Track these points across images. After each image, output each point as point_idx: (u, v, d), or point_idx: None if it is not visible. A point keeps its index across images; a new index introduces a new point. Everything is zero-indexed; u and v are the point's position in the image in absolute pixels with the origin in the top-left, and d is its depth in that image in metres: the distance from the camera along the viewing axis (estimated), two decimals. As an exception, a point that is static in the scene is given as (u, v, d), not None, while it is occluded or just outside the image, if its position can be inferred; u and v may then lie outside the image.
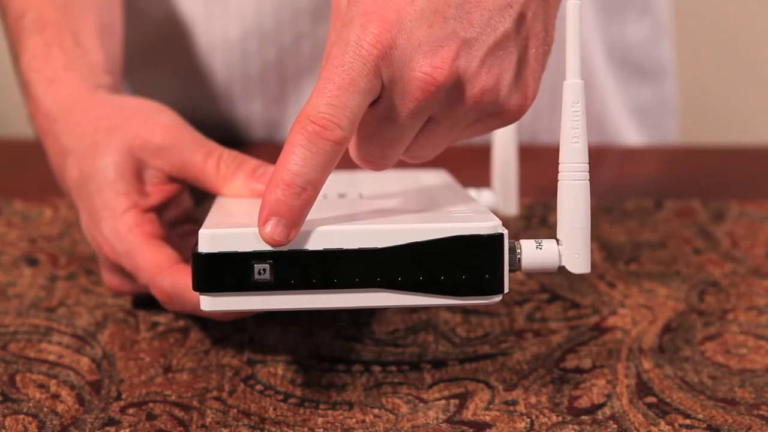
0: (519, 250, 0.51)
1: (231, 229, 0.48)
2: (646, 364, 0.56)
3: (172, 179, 0.59)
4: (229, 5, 0.83)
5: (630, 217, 0.72)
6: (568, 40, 0.50)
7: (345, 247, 0.48)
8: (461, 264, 0.49)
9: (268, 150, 0.87)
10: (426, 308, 0.61)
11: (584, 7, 0.88)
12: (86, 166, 0.59)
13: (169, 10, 0.86)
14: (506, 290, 0.50)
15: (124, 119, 0.60)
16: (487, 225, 0.49)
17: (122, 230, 0.57)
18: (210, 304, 0.49)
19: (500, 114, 0.52)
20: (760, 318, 0.61)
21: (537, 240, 0.51)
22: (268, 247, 0.48)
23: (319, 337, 0.59)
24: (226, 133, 0.88)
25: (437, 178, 0.65)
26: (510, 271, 0.50)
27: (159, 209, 0.59)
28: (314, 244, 0.48)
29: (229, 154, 0.58)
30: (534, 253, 0.51)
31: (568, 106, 0.51)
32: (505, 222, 0.52)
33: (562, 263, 0.51)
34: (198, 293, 0.49)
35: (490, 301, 0.50)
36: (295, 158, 0.47)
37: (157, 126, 0.59)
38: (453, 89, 0.50)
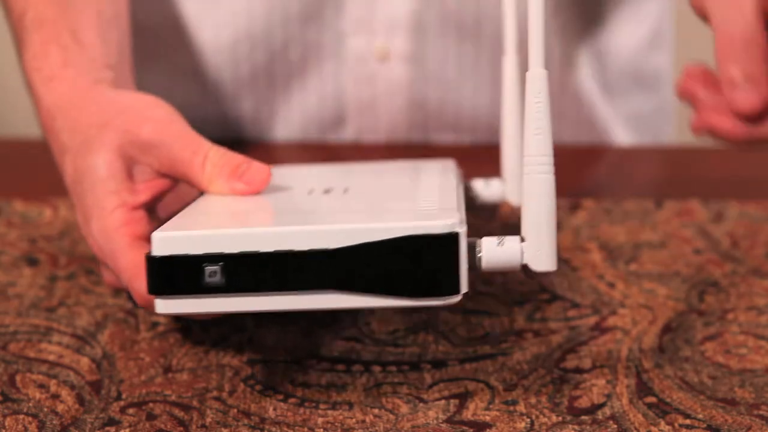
0: (479, 249, 0.50)
1: (183, 231, 0.48)
2: (646, 364, 0.56)
3: (162, 175, 0.59)
4: (220, 9, 0.83)
5: (630, 217, 0.72)
6: (531, 29, 0.49)
7: (296, 249, 0.47)
8: (415, 264, 0.48)
9: (260, 148, 0.87)
10: (385, 308, 0.60)
11: (570, 19, 0.87)
12: (79, 163, 0.59)
13: (161, 13, 0.86)
14: (464, 290, 0.49)
15: (116, 114, 0.59)
16: (442, 223, 0.48)
17: (109, 229, 0.56)
18: (164, 307, 0.49)
19: None
20: (760, 318, 0.61)
21: (499, 237, 0.50)
22: (219, 250, 0.48)
23: (319, 337, 0.59)
24: (216, 131, 0.88)
25: (437, 168, 0.64)
26: (470, 270, 0.49)
27: (150, 205, 0.59)
28: (265, 245, 0.48)
29: (215, 152, 0.57)
30: (495, 251, 0.50)
31: (531, 97, 0.50)
32: (512, 214, 0.52)
33: (525, 261, 0.50)
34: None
35: (447, 302, 0.48)
36: None
37: (146, 121, 0.58)
38: None
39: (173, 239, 0.48)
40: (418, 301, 0.48)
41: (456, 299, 0.48)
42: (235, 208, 0.55)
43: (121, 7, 0.70)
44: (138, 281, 0.54)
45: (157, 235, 0.48)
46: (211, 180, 0.57)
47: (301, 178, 0.62)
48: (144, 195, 0.58)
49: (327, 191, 0.57)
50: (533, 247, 0.50)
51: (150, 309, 0.55)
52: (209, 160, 0.57)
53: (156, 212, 0.59)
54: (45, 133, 0.63)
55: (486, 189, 0.65)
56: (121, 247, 0.56)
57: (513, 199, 0.64)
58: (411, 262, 0.48)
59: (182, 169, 0.58)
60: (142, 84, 0.90)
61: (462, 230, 0.48)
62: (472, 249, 0.49)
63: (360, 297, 0.48)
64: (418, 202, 0.53)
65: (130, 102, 0.61)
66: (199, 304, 0.48)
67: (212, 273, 0.48)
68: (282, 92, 0.86)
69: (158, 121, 0.59)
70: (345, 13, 0.82)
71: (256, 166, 0.57)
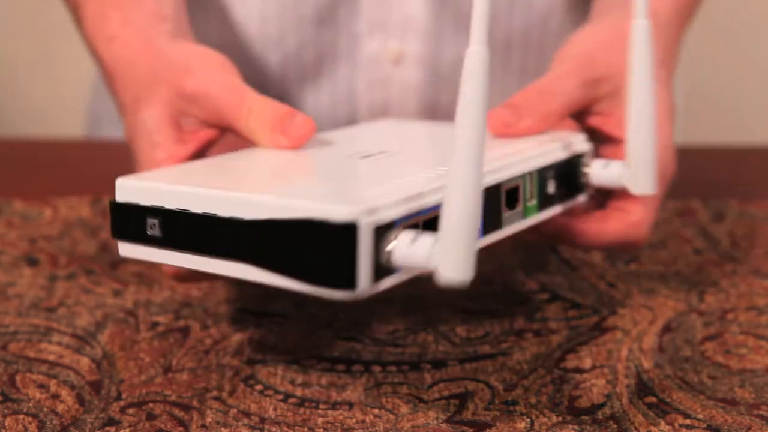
0: (392, 243, 0.45)
1: (139, 182, 0.50)
2: (646, 364, 0.56)
3: (210, 125, 0.59)
4: (232, 11, 0.83)
5: (630, 217, 0.72)
6: (475, 6, 0.43)
7: (218, 214, 0.47)
8: (312, 250, 0.45)
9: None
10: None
11: (566, 22, 0.87)
12: (130, 120, 0.60)
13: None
14: (364, 285, 0.44)
15: (165, 69, 0.60)
16: (341, 210, 0.44)
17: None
18: (123, 250, 0.51)
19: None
20: (760, 318, 0.61)
21: (417, 232, 0.45)
22: (160, 204, 0.49)
23: (319, 337, 0.59)
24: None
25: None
26: (377, 265, 0.44)
27: (200, 154, 0.59)
28: (198, 206, 0.48)
29: (260, 104, 0.57)
30: (407, 247, 0.45)
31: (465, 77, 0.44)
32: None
33: (434, 265, 0.44)
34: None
35: (344, 295, 0.45)
36: None
37: (192, 73, 0.59)
38: None
39: (127, 188, 0.50)
40: (318, 290, 0.45)
41: (353, 294, 0.44)
42: (229, 165, 0.55)
43: None
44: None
45: (119, 182, 0.50)
46: (254, 132, 0.57)
47: (349, 140, 0.60)
48: (192, 144, 0.58)
49: (366, 156, 0.55)
50: (443, 252, 0.44)
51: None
52: (253, 113, 0.57)
53: None
54: (111, 96, 0.64)
55: (603, 171, 0.59)
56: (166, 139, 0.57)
57: (632, 187, 0.58)
58: (309, 247, 0.45)
59: (228, 120, 0.58)
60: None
61: (366, 220, 0.44)
62: (378, 242, 0.45)
63: (265, 273, 0.46)
64: (358, 180, 0.51)
65: (181, 55, 0.61)
66: (144, 252, 0.50)
67: (152, 225, 0.50)
68: (295, 95, 0.86)
69: (204, 73, 0.59)
70: (359, 15, 0.82)
71: (300, 120, 0.57)
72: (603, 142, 0.62)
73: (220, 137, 0.60)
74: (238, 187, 0.48)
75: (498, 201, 0.52)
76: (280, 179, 0.52)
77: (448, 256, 0.44)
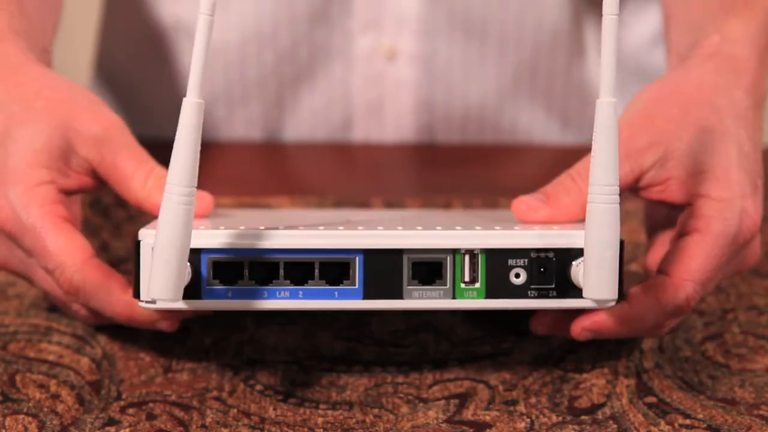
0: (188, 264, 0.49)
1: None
2: (646, 364, 0.56)
3: (94, 174, 0.58)
4: (228, 10, 0.83)
5: (630, 217, 0.72)
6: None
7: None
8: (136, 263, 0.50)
9: (267, 150, 0.87)
10: None
11: (582, 12, 0.88)
12: (14, 124, 0.56)
13: (169, 15, 0.86)
14: (144, 298, 0.50)
15: (69, 98, 0.58)
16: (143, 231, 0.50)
17: (33, 203, 0.55)
18: None
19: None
20: (760, 318, 0.61)
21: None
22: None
23: (319, 337, 0.59)
24: (225, 133, 0.88)
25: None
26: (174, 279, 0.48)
27: (72, 194, 0.58)
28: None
29: (161, 170, 0.57)
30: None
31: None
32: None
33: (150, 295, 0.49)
34: (107, 296, 0.53)
35: (141, 305, 0.51)
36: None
37: (101, 116, 0.58)
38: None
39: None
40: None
41: (143, 305, 0.51)
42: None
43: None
44: (71, 270, 0.53)
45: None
46: (150, 194, 0.56)
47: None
48: (72, 182, 0.57)
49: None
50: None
51: (72, 299, 0.55)
52: (153, 177, 0.57)
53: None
54: None
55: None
56: (49, 226, 0.54)
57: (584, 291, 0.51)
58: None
59: (121, 176, 0.57)
60: (152, 86, 0.90)
61: (143, 239, 0.50)
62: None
63: None
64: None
65: (84, 92, 0.59)
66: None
67: None
68: (291, 94, 0.86)
69: (112, 120, 0.58)
70: (353, 13, 0.82)
71: (199, 195, 0.54)
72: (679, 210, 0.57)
73: (92, 190, 0.59)
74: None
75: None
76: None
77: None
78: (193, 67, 0.48)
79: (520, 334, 0.59)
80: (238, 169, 0.82)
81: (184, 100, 0.48)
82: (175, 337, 0.59)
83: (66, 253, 0.54)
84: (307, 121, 0.88)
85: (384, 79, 0.85)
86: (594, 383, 0.55)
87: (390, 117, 0.87)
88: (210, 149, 0.81)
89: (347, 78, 0.85)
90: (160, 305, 0.50)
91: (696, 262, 0.53)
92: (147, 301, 0.50)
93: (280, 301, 0.50)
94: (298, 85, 0.86)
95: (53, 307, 0.62)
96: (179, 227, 0.48)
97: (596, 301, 0.49)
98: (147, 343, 0.58)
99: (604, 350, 0.57)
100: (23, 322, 0.60)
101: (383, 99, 0.86)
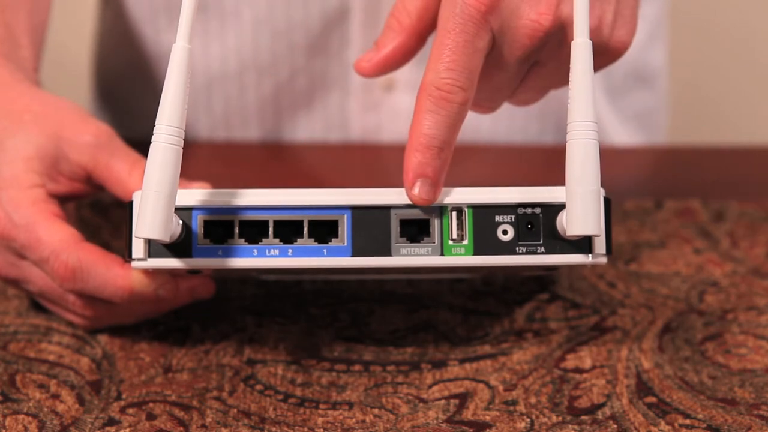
0: (179, 221, 0.50)
1: None
2: (646, 364, 0.56)
3: (87, 180, 0.58)
4: (226, 40, 0.83)
5: (630, 217, 0.72)
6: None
7: None
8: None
9: (266, 148, 0.87)
10: None
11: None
12: (5, 136, 0.57)
13: (167, 43, 0.86)
14: (135, 256, 0.50)
15: (58, 111, 0.59)
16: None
17: (24, 203, 0.55)
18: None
19: (605, 53, 0.54)
20: (760, 318, 0.61)
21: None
22: None
23: (319, 337, 0.59)
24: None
25: None
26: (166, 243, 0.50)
27: (62, 202, 0.58)
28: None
29: None
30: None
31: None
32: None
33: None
34: (105, 271, 0.53)
35: (134, 264, 0.51)
36: (427, 123, 0.51)
37: (91, 125, 0.58)
38: (558, 33, 0.51)
39: None
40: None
41: (132, 264, 0.51)
42: None
43: (45, 20, 0.69)
44: (65, 252, 0.54)
45: None
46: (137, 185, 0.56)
47: None
48: (63, 187, 0.58)
49: None
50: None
51: (69, 284, 0.55)
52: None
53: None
54: None
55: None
56: (41, 219, 0.55)
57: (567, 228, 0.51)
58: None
59: (117, 176, 0.57)
60: (150, 113, 0.90)
61: (138, 200, 0.49)
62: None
63: None
64: None
65: (73, 106, 0.60)
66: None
67: None
68: (288, 121, 0.86)
69: (102, 131, 0.58)
70: (350, 44, 0.82)
71: (198, 184, 0.57)
72: None
73: (83, 197, 0.59)
74: None
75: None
76: None
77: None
78: (183, 12, 0.49)
79: (520, 334, 0.59)
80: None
81: (174, 45, 0.48)
82: (175, 337, 0.59)
83: (59, 239, 0.54)
84: None
85: (382, 108, 0.85)
86: (594, 383, 0.55)
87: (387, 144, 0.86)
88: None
89: (345, 107, 0.85)
90: (152, 263, 0.50)
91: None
92: (139, 258, 0.50)
93: (270, 259, 0.50)
94: (296, 113, 0.86)
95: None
96: (167, 166, 0.48)
97: (581, 236, 0.50)
98: (147, 343, 0.58)
99: (604, 350, 0.58)
100: (23, 322, 0.60)
101: (381, 125, 0.86)
